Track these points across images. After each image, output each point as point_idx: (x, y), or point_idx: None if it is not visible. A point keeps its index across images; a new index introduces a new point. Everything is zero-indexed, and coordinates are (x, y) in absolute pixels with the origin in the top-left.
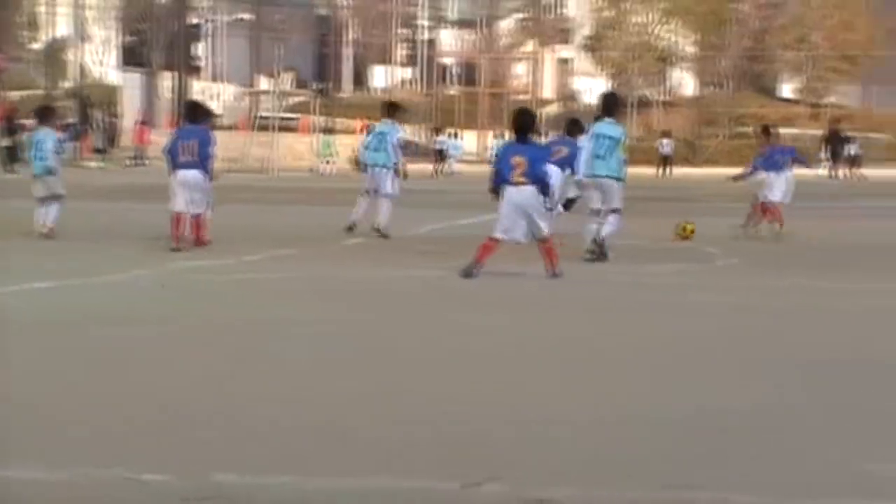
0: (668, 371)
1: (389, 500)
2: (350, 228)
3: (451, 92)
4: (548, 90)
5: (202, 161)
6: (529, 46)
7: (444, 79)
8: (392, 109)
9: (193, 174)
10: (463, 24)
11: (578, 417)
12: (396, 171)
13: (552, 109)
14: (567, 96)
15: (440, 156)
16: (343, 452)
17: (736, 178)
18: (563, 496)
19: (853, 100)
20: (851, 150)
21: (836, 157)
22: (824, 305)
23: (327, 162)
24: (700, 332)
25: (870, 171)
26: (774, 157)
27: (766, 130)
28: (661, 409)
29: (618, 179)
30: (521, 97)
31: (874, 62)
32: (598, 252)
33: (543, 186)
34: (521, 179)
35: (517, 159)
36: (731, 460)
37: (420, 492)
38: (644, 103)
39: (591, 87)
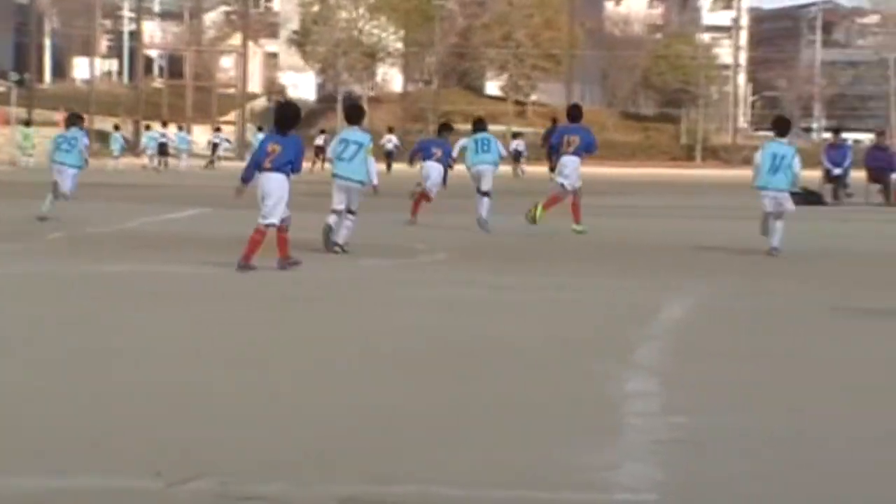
0: (352, 366)
1: (95, 499)
2: (41, 219)
3: (157, 84)
4: (255, 84)
5: None
6: (236, 40)
7: (149, 71)
8: (75, 118)
9: None
10: (168, 15)
11: (283, 414)
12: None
13: (259, 104)
14: (274, 90)
15: (161, 150)
16: (49, 450)
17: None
18: (271, 492)
19: (557, 97)
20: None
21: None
22: (497, 299)
23: (28, 155)
24: (396, 327)
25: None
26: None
27: (554, 121)
28: (361, 407)
29: (362, 183)
30: (229, 91)
31: (576, 61)
32: (338, 247)
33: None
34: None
35: (272, 146)
36: (430, 453)
37: (125, 491)
38: (351, 99)
39: (298, 82)
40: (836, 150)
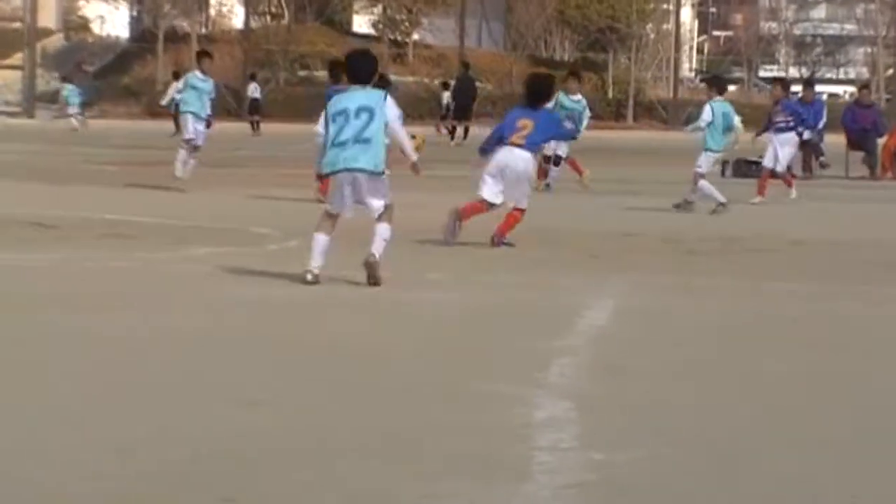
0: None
1: None
2: None
3: None
4: (49, 18)
5: None
6: None
7: None
8: None
9: None
10: None
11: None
12: None
13: (54, 43)
14: (74, 26)
15: None
16: None
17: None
18: None
19: (446, 37)
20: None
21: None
22: (361, 299)
23: None
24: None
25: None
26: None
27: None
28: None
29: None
30: (13, 26)
31: None
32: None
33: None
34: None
35: (524, 122)
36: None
37: None
38: (177, 37)
39: (107, 15)
40: (808, 108)
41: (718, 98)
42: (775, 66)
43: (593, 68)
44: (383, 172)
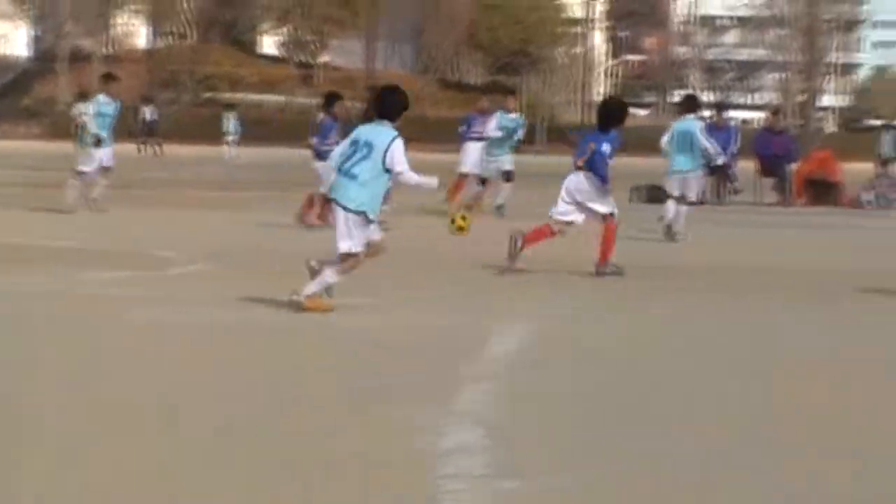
0: None
1: None
2: None
3: None
4: None
5: None
6: None
7: None
8: None
9: None
10: None
11: None
12: None
13: None
14: None
15: None
16: None
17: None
18: None
19: (355, 59)
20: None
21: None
22: (265, 323)
23: None
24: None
25: None
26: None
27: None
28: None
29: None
30: None
31: (380, 11)
32: None
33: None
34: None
35: (592, 144)
36: None
37: None
38: (80, 57)
39: (7, 34)
40: (719, 133)
41: (689, 116)
42: (687, 91)
43: (504, 92)
44: (363, 213)
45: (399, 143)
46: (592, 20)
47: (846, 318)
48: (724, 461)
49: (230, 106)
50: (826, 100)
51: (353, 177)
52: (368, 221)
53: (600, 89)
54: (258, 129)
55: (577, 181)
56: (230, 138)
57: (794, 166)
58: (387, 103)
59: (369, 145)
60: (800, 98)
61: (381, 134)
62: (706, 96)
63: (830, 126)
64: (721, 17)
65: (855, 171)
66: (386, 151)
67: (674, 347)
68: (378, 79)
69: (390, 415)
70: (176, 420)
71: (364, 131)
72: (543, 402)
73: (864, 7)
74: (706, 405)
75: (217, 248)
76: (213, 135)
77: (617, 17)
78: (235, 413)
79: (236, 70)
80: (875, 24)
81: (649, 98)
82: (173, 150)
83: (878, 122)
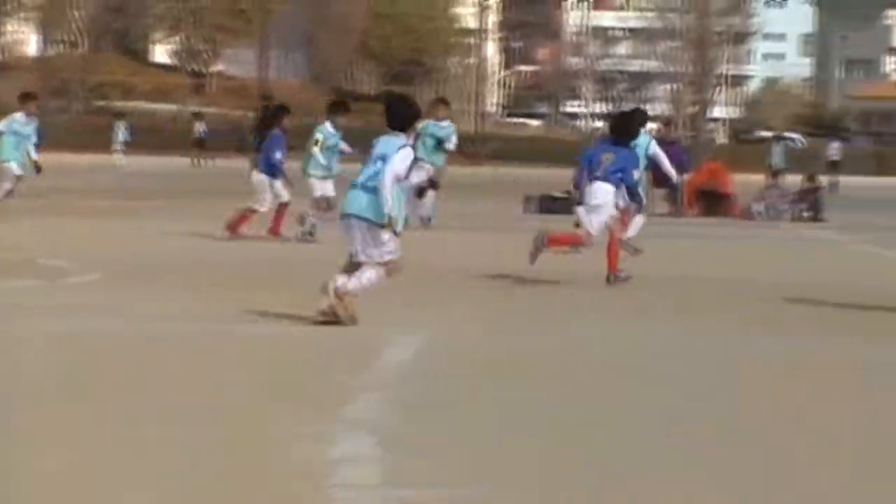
0: None
1: None
2: None
3: None
4: None
5: None
6: None
7: None
8: None
9: None
10: None
11: None
12: None
13: None
14: None
15: None
16: None
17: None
18: None
19: (247, 68)
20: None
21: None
22: (156, 333)
23: None
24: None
25: None
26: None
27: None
28: None
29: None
30: None
31: (271, 19)
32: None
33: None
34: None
35: (607, 156)
36: None
37: None
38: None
39: None
40: (671, 147)
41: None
42: (579, 102)
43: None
44: (386, 225)
45: (403, 152)
46: (485, 31)
47: (749, 325)
48: (618, 475)
49: (120, 114)
50: (717, 111)
51: (372, 190)
52: (393, 232)
53: (493, 100)
54: (150, 137)
55: (590, 191)
56: (119, 147)
57: (685, 177)
58: (398, 114)
59: (383, 158)
60: (691, 109)
61: (392, 145)
62: (598, 107)
63: (721, 137)
64: (613, 29)
65: (745, 182)
66: (392, 158)
67: (578, 361)
68: (271, 88)
69: (285, 425)
70: (67, 430)
71: (379, 144)
72: (436, 412)
73: (755, 19)
74: (606, 412)
75: (126, 258)
76: (105, 143)
77: (510, 27)
78: (128, 424)
79: (129, 79)
80: (765, 37)
81: (541, 109)
82: (63, 158)
83: (768, 134)
